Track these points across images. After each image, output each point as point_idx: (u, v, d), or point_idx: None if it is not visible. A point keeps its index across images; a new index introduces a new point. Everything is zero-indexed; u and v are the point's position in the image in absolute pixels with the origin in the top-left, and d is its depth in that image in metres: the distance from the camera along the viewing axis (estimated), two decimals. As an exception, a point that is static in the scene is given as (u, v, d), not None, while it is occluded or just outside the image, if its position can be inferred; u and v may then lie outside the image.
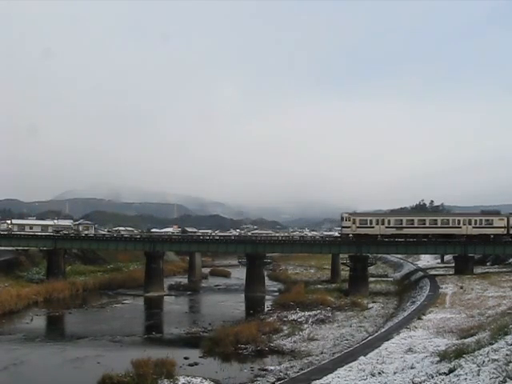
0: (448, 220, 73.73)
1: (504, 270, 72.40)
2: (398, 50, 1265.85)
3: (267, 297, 69.40)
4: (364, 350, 27.27)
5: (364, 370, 21.60)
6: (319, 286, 74.05)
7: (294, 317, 47.55)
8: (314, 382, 21.27)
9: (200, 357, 34.55)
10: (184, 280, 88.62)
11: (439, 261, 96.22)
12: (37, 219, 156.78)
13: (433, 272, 74.64)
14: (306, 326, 43.51)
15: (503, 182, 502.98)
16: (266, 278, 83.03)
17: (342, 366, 23.19)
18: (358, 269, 68.63)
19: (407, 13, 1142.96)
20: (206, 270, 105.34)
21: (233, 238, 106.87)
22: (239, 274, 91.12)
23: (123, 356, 32.85)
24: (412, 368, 20.07)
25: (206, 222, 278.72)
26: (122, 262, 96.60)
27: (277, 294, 70.64)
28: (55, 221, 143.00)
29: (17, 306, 54.99)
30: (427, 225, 72.77)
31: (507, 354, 15.94)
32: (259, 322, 45.16)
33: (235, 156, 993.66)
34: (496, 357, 16.02)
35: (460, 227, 71.52)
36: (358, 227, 71.73)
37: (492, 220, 72.24)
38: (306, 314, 48.69)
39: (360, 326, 42.45)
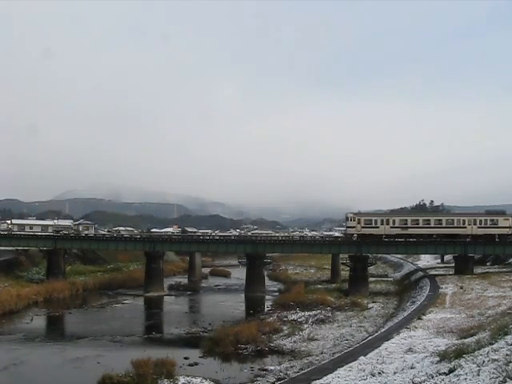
0: (453, 220, 73.53)
1: (504, 270, 72.39)
2: (397, 50, 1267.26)
3: (267, 297, 69.40)
4: (364, 350, 27.27)
5: (364, 370, 21.60)
6: (319, 286, 74.05)
7: (293, 317, 47.54)
8: (314, 382, 21.27)
9: (200, 357, 34.55)
10: (184, 280, 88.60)
11: (439, 261, 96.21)
12: (37, 219, 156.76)
13: (433, 272, 74.63)
14: (305, 326, 43.50)
15: (503, 182, 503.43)
16: (266, 277, 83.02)
17: (342, 366, 23.19)
18: (358, 269, 68.62)
19: (407, 13, 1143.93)
20: (206, 270, 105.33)
21: (233, 237, 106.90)
22: (239, 274, 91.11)
23: (123, 356, 32.85)
24: (412, 368, 20.08)
25: (205, 221, 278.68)
26: (121, 261, 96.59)
27: (277, 294, 70.64)
28: (55, 221, 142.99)
29: (17, 306, 54.97)
30: (432, 225, 72.72)
31: (507, 354, 15.94)
32: (259, 322, 45.16)
33: (235, 156, 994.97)
34: (496, 357, 16.02)
35: (465, 227, 71.45)
36: (363, 227, 71.64)
37: (497, 220, 72.11)
38: (306, 313, 48.69)
39: (360, 326, 42.45)
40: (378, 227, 71.76)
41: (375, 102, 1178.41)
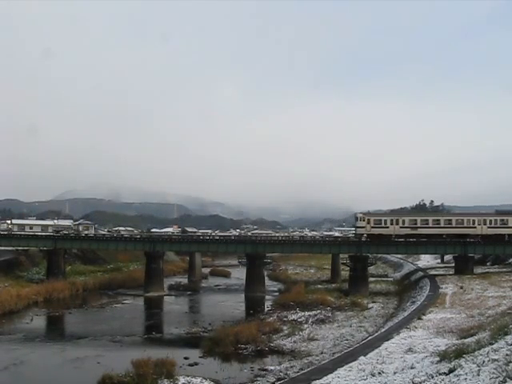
0: (463, 220, 73.12)
1: (504, 270, 72.39)
2: (398, 49, 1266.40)
3: (267, 297, 69.39)
4: (364, 350, 27.27)
5: (364, 370, 21.60)
6: (319, 286, 74.03)
7: (293, 317, 47.54)
8: (313, 382, 21.27)
9: (200, 357, 34.54)
10: (184, 280, 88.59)
11: (439, 261, 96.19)
12: (37, 219, 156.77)
13: (433, 272, 74.62)
14: (305, 326, 43.50)
15: (503, 182, 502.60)
16: (266, 277, 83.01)
17: (342, 366, 23.19)
18: (358, 269, 68.59)
19: (407, 13, 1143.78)
20: (206, 270, 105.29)
21: (233, 237, 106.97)
22: (239, 274, 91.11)
23: (123, 356, 32.86)
24: (412, 368, 20.07)
25: (206, 222, 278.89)
26: (122, 261, 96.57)
27: (277, 294, 70.63)
28: (55, 221, 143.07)
29: (17, 306, 54.96)
30: (442, 225, 72.60)
31: (507, 354, 15.94)
32: (259, 321, 45.15)
33: (235, 156, 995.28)
34: (496, 357, 16.02)
35: (475, 227, 71.30)
36: (373, 227, 71.51)
37: (507, 220, 71.92)
38: (306, 313, 48.69)
39: (360, 326, 42.44)
40: (387, 227, 71.67)
41: (375, 102, 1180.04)
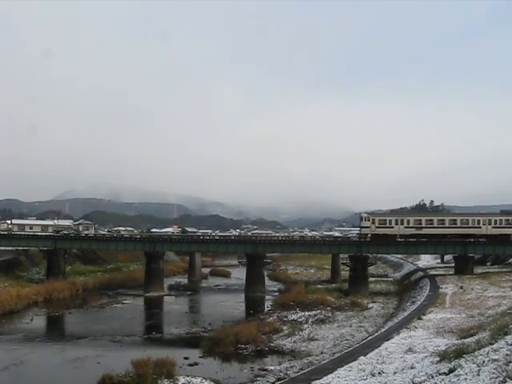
0: (468, 220, 73.03)
1: (504, 270, 72.35)
2: (398, 49, 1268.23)
3: (267, 297, 69.37)
4: (364, 350, 27.26)
5: (364, 370, 21.59)
6: (319, 286, 74.00)
7: (293, 317, 47.52)
8: (313, 381, 21.26)
9: (200, 357, 34.53)
10: (184, 280, 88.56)
11: (439, 261, 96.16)
12: (37, 219, 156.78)
13: (433, 272, 74.59)
14: (305, 326, 43.49)
15: (503, 182, 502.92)
16: (266, 277, 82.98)
17: (342, 366, 23.18)
18: (358, 269, 68.56)
19: (407, 13, 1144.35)
20: (206, 270, 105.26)
21: (233, 237, 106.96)
22: (239, 274, 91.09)
23: (123, 356, 32.85)
24: (412, 368, 20.07)
25: (206, 222, 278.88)
26: (122, 261, 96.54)
27: (277, 294, 70.61)
28: (55, 221, 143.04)
29: (17, 306, 54.94)
30: (446, 225, 72.51)
31: (507, 354, 15.94)
32: (259, 322, 45.12)
33: (235, 156, 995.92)
34: (496, 357, 16.02)
35: (480, 227, 71.21)
36: (378, 227, 71.49)
37: None
38: (306, 313, 48.67)
39: (360, 326, 42.43)
40: (392, 227, 71.60)
41: (375, 102, 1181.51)
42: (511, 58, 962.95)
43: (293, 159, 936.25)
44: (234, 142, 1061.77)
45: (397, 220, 72.77)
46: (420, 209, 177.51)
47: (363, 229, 73.74)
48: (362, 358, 24.28)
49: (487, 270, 73.35)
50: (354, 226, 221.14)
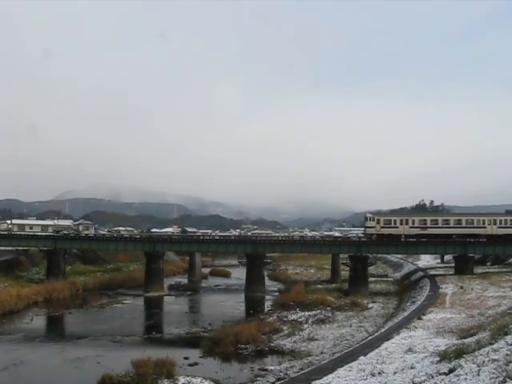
0: (473, 220, 72.96)
1: (504, 270, 72.35)
2: (398, 49, 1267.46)
3: (267, 297, 69.37)
4: (364, 350, 27.26)
5: (364, 370, 21.58)
6: (319, 286, 73.99)
7: (294, 317, 47.52)
8: (314, 381, 21.25)
9: (200, 357, 34.52)
10: (184, 280, 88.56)
11: (439, 261, 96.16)
12: (37, 219, 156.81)
13: (433, 272, 74.58)
14: (306, 326, 43.48)
15: (503, 182, 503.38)
16: (266, 277, 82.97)
17: (342, 366, 23.17)
18: (358, 269, 68.55)
19: (407, 13, 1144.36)
20: (206, 270, 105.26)
21: (233, 237, 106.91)
22: (239, 274, 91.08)
23: (123, 356, 32.84)
24: (412, 368, 20.06)
25: (206, 222, 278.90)
26: (122, 261, 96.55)
27: (277, 294, 70.60)
28: (55, 221, 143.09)
29: (17, 306, 54.92)
30: (451, 225, 72.49)
31: (507, 354, 15.94)
32: (259, 322, 45.12)
33: (235, 156, 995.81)
34: (496, 357, 16.01)
35: (485, 227, 71.14)
36: (383, 227, 71.44)
37: None
38: (306, 313, 48.67)
39: (360, 326, 42.43)
40: (397, 227, 71.54)
41: (375, 102, 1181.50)
42: (511, 58, 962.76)
43: (293, 159, 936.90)
44: (234, 141, 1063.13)
45: (402, 220, 72.75)
46: (420, 209, 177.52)
47: (368, 229, 73.62)
48: (362, 357, 24.27)
49: (487, 270, 73.34)
50: (354, 226, 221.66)
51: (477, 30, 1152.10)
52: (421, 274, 74.53)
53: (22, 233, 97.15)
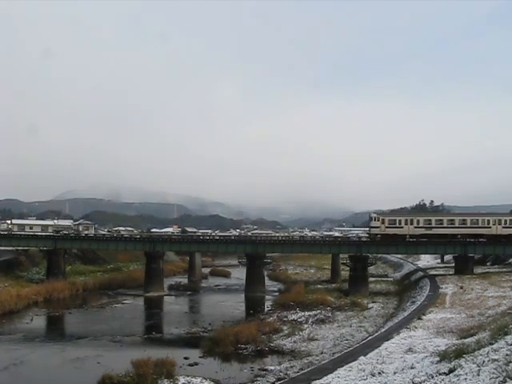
0: (477, 220, 72.86)
1: (504, 270, 72.37)
2: (398, 49, 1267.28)
3: (267, 297, 69.37)
4: (364, 350, 27.26)
5: (364, 370, 21.59)
6: (319, 286, 74.01)
7: (294, 317, 47.52)
8: (314, 381, 21.25)
9: (200, 357, 34.53)
10: (184, 280, 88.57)
11: (439, 261, 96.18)
12: (37, 219, 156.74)
13: (433, 272, 74.60)
14: (306, 326, 43.49)
15: (503, 182, 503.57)
16: (266, 277, 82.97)
17: (342, 366, 23.17)
18: (358, 269, 68.55)
19: (407, 13, 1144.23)
20: (206, 270, 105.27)
21: (233, 237, 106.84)
22: (239, 274, 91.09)
23: (123, 356, 32.84)
24: (412, 368, 20.07)
25: (206, 222, 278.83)
26: (122, 261, 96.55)
27: (277, 294, 70.61)
28: (55, 221, 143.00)
29: (17, 306, 54.93)
30: (456, 225, 72.41)
31: (507, 354, 15.94)
32: (259, 322, 45.13)
33: (235, 156, 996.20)
34: (496, 357, 16.01)
35: (490, 227, 71.07)
36: (387, 227, 71.34)
37: None
38: (306, 313, 48.67)
39: (360, 326, 42.43)
40: (402, 227, 71.48)
41: (375, 102, 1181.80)
42: (511, 58, 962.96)
43: (293, 159, 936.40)
44: (234, 142, 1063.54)
45: (406, 220, 72.72)
46: (420, 209, 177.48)
47: (373, 229, 73.50)
48: (362, 357, 24.27)
49: (487, 270, 73.35)
50: (354, 226, 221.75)
51: (477, 30, 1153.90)
52: (421, 273, 74.53)
53: (22, 233, 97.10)
